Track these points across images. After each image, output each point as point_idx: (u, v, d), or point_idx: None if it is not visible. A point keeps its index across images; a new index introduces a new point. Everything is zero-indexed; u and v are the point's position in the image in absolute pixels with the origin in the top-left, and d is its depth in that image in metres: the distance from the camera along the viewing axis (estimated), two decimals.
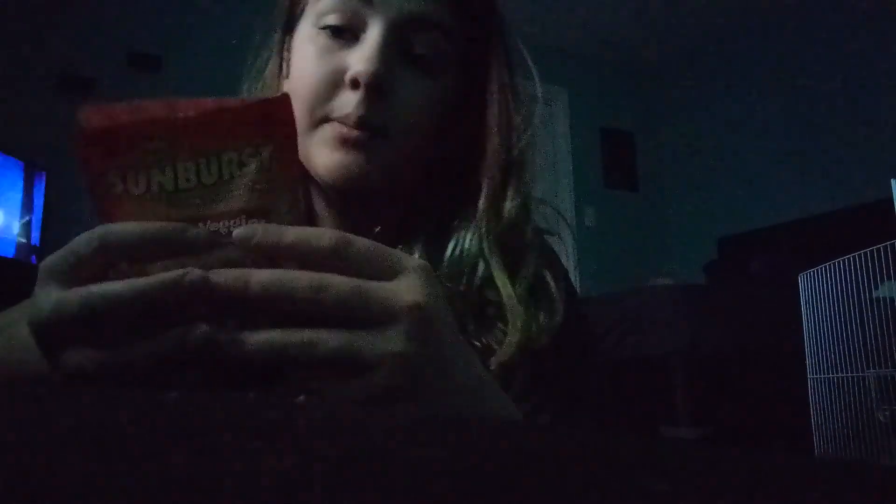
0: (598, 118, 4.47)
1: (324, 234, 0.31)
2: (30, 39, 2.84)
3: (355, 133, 0.48)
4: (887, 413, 1.70)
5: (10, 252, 2.50)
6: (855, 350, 1.78)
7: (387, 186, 0.52)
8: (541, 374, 0.48)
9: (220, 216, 0.31)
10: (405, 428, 0.20)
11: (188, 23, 3.18)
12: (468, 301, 0.49)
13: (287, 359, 0.29)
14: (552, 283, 0.51)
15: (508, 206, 0.52)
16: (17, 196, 2.56)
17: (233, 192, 0.31)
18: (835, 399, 1.84)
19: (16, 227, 2.55)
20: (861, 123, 3.50)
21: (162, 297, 0.28)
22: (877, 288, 1.76)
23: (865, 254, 1.78)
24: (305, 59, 0.51)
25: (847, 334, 1.80)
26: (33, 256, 2.60)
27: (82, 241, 0.30)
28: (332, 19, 0.50)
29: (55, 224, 2.67)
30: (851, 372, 1.79)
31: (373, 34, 0.49)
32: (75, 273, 0.29)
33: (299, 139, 0.51)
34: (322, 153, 0.49)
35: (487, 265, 0.50)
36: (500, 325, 0.48)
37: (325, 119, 0.49)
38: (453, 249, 0.51)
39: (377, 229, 0.51)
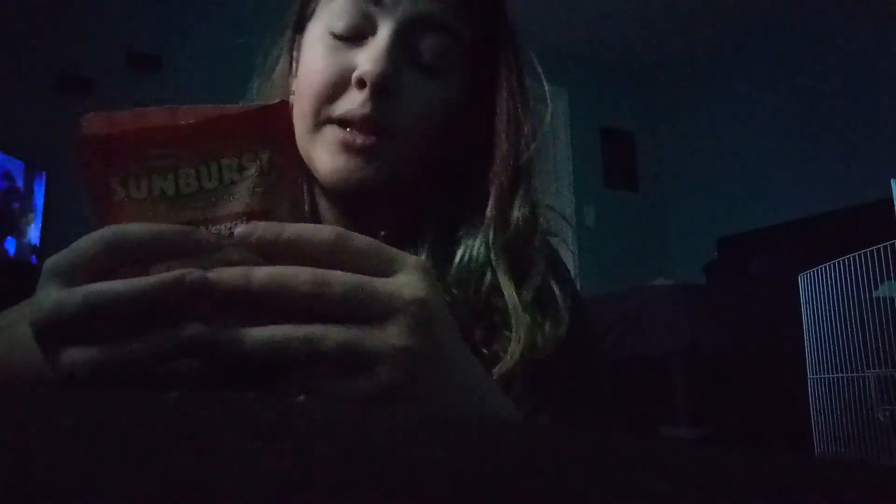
0: (598, 118, 4.47)
1: (322, 230, 0.31)
2: (30, 39, 2.84)
3: (359, 139, 0.48)
4: (887, 413, 1.70)
5: (9, 252, 2.50)
6: (855, 350, 1.78)
7: (390, 189, 0.52)
8: (542, 375, 0.48)
9: (222, 219, 0.31)
10: (405, 428, 0.20)
11: (188, 23, 3.18)
12: (475, 309, 0.49)
13: (289, 356, 0.29)
14: (558, 292, 0.51)
15: (516, 214, 0.52)
16: (16, 196, 2.56)
17: (234, 196, 0.31)
18: (835, 399, 1.84)
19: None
20: (861, 123, 3.50)
21: (162, 297, 0.28)
22: (877, 288, 1.76)
23: (865, 254, 1.78)
24: (313, 59, 0.51)
25: (847, 334, 1.80)
26: (33, 256, 2.60)
27: (87, 242, 0.30)
28: (341, 21, 0.50)
29: (55, 224, 2.67)
30: (851, 372, 1.79)
31: (381, 35, 0.49)
32: (78, 274, 0.29)
33: (303, 139, 0.51)
34: (324, 156, 0.49)
35: (494, 273, 0.50)
36: (506, 332, 0.48)
37: (329, 119, 0.49)
38: (461, 257, 0.51)
39: (382, 234, 0.51)
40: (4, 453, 0.14)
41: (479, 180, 0.54)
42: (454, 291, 0.48)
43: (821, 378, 1.90)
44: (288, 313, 0.29)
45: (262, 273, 0.29)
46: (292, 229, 0.30)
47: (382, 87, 0.47)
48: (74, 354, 0.29)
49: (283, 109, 0.33)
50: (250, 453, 0.15)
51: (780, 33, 3.97)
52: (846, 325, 1.81)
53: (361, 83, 0.48)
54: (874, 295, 1.77)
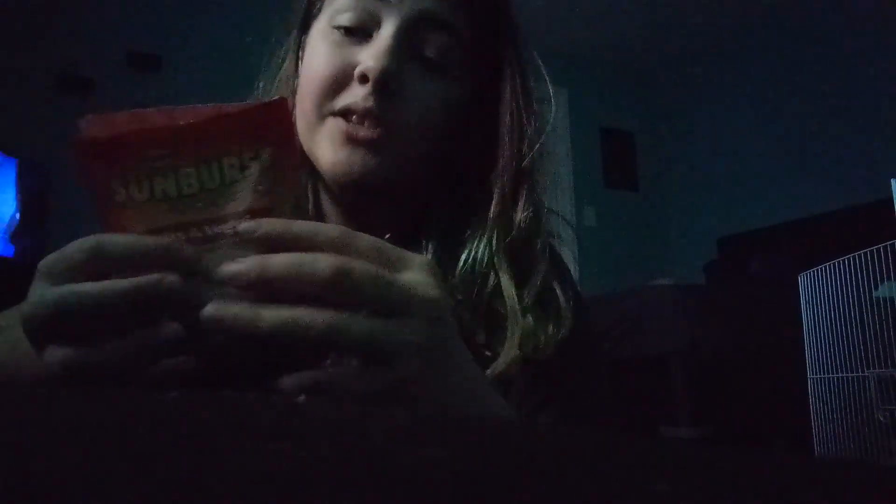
0: (598, 118, 4.47)
1: (328, 228, 0.31)
2: (30, 39, 2.84)
3: (362, 131, 0.48)
4: (887, 413, 1.70)
5: (9, 252, 2.50)
6: (855, 350, 1.78)
7: (393, 187, 0.52)
8: (543, 375, 0.48)
9: (224, 218, 0.31)
10: (405, 428, 0.20)
11: (188, 23, 3.18)
12: (478, 310, 0.49)
13: (309, 339, 0.28)
14: (561, 294, 0.51)
15: (520, 215, 0.52)
16: (16, 196, 2.56)
17: (236, 195, 0.31)
18: (835, 399, 1.84)
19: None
20: (861, 123, 3.50)
21: (136, 300, 0.28)
22: (877, 288, 1.76)
23: (865, 254, 1.78)
24: (317, 55, 0.51)
25: (847, 334, 1.80)
26: (33, 256, 2.60)
27: (74, 247, 0.30)
28: (346, 17, 0.50)
29: (55, 224, 2.67)
30: (851, 372, 1.79)
31: (385, 32, 0.49)
32: (64, 276, 0.30)
33: (306, 134, 0.51)
34: (327, 149, 0.49)
35: (498, 275, 0.50)
36: (509, 335, 0.48)
37: (332, 112, 0.49)
38: (465, 259, 0.51)
39: (387, 236, 0.51)
40: (4, 453, 0.14)
41: (482, 181, 0.54)
42: (458, 293, 0.49)
43: (821, 378, 1.90)
44: (301, 303, 0.29)
45: (281, 258, 0.29)
46: (298, 225, 0.30)
47: (385, 83, 0.47)
48: (54, 352, 0.29)
49: (283, 106, 0.33)
50: (250, 453, 0.15)
51: (780, 33, 3.97)
52: (846, 325, 1.80)
53: (364, 78, 0.48)
54: (874, 295, 1.76)
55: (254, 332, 0.28)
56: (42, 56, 2.84)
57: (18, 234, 2.55)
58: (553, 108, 0.59)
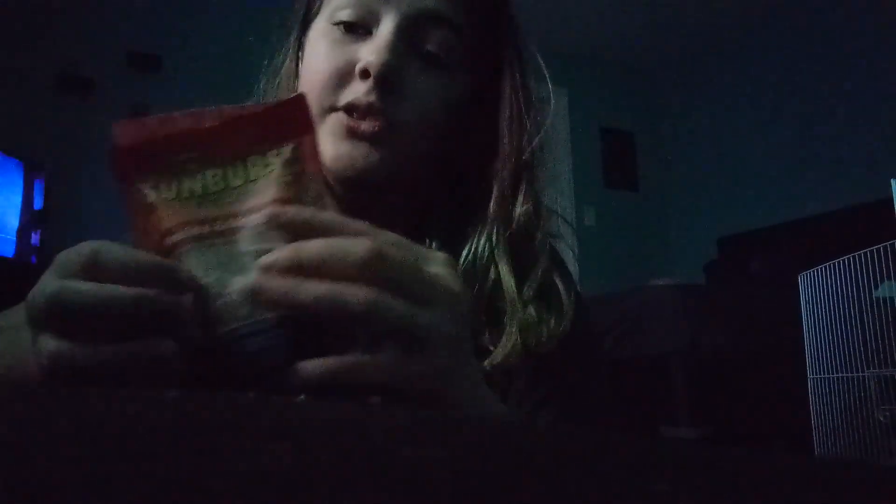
0: (598, 118, 4.47)
1: (354, 222, 0.31)
2: (30, 39, 2.84)
3: (364, 125, 0.48)
4: (887, 413, 1.70)
5: (9, 252, 2.50)
6: (855, 350, 1.78)
7: (395, 183, 0.52)
8: (543, 374, 0.48)
9: (249, 212, 0.32)
10: (405, 428, 0.20)
11: (188, 23, 3.19)
12: (479, 306, 0.49)
13: (346, 316, 0.29)
14: (562, 288, 0.51)
15: (519, 210, 0.52)
16: (17, 196, 2.56)
17: (261, 189, 0.33)
18: (835, 399, 1.84)
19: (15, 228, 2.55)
20: (861, 123, 3.50)
21: (133, 311, 0.28)
22: (877, 288, 1.76)
23: (865, 254, 1.78)
24: (318, 52, 0.52)
25: (847, 334, 1.80)
26: (33, 256, 2.60)
27: (82, 248, 0.30)
28: (345, 14, 0.50)
29: (55, 224, 2.67)
30: (851, 372, 1.79)
31: (385, 28, 0.49)
32: (70, 272, 0.30)
33: None
34: (329, 144, 0.50)
35: (498, 269, 0.50)
36: (511, 330, 0.48)
37: (334, 108, 0.49)
38: (466, 254, 0.51)
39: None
40: (4, 453, 0.14)
41: (482, 177, 0.54)
42: None
43: (821, 378, 1.90)
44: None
45: (315, 242, 0.29)
46: (327, 215, 0.31)
47: (386, 78, 0.48)
48: (46, 341, 0.29)
49: (302, 103, 0.35)
50: (250, 453, 0.15)
51: (781, 33, 3.97)
52: (846, 325, 1.81)
53: (365, 73, 0.48)
54: (874, 295, 1.77)
55: (294, 305, 0.29)
56: (42, 56, 2.84)
57: (24, 234, 2.55)
58: (552, 102, 0.59)
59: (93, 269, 0.30)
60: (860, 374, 1.76)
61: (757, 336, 2.31)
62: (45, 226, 2.64)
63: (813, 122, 3.74)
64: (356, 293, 0.28)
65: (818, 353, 1.92)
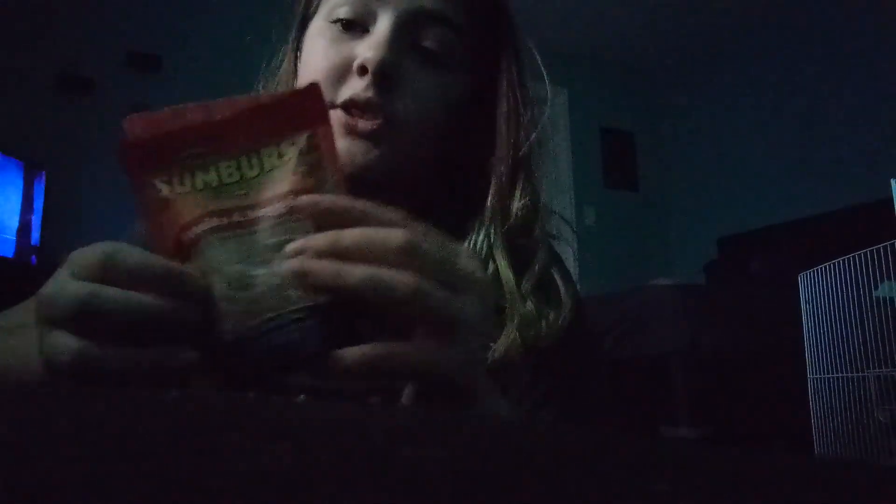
0: (598, 118, 4.47)
1: (390, 211, 0.32)
2: (30, 39, 2.84)
3: (362, 122, 0.48)
4: (887, 413, 1.70)
5: (9, 252, 2.50)
6: (855, 350, 1.78)
7: (394, 179, 0.52)
8: (543, 372, 0.48)
9: (266, 202, 0.32)
10: (405, 428, 0.20)
11: (188, 23, 3.18)
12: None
13: (390, 299, 0.29)
14: (560, 282, 0.51)
15: (517, 205, 0.52)
16: (17, 196, 2.56)
17: (276, 180, 0.32)
18: (835, 399, 1.84)
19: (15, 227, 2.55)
20: (861, 123, 3.50)
21: (156, 320, 0.29)
22: (877, 288, 1.76)
23: (865, 254, 1.78)
24: (316, 50, 0.52)
25: (847, 334, 1.80)
26: (33, 256, 2.60)
27: (96, 248, 0.30)
28: (343, 12, 0.51)
29: (55, 224, 2.67)
30: (851, 372, 1.79)
31: (382, 25, 0.49)
32: (84, 272, 0.30)
33: None
34: None
35: (496, 264, 0.50)
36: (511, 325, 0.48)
37: (332, 106, 0.49)
38: None
39: None
40: (4, 453, 0.14)
41: (480, 173, 0.54)
42: None
43: (821, 378, 1.90)
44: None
45: (353, 231, 0.30)
46: (362, 203, 0.31)
47: (384, 74, 0.48)
48: (66, 340, 0.29)
49: (316, 92, 0.34)
50: (250, 453, 0.15)
51: (781, 33, 3.97)
52: (846, 325, 1.81)
53: (363, 70, 0.48)
54: (874, 295, 1.76)
55: (341, 287, 0.29)
56: (42, 56, 2.84)
57: (24, 234, 2.55)
58: (549, 99, 0.59)
59: (107, 272, 0.30)
60: (860, 374, 1.76)
61: (757, 336, 2.31)
62: (44, 226, 2.64)
63: (813, 122, 3.74)
64: (399, 277, 0.29)
65: (818, 353, 1.92)
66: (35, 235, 2.61)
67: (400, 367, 0.29)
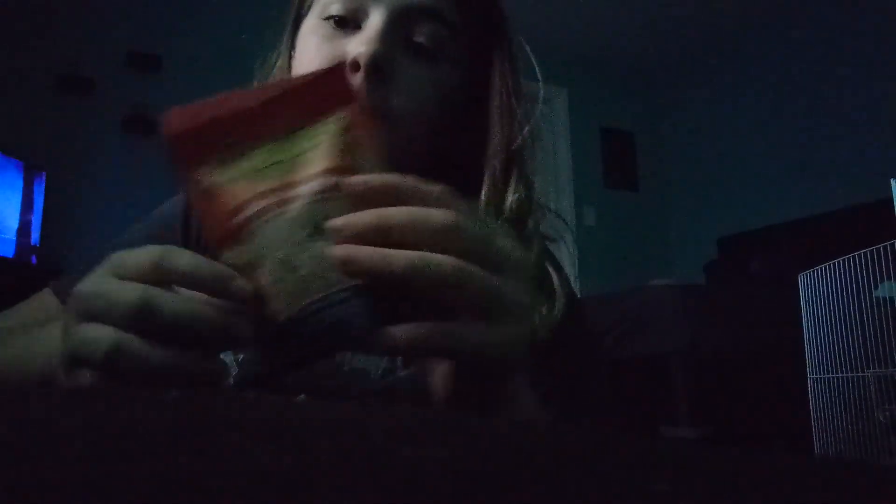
0: (598, 118, 4.47)
1: (434, 187, 0.32)
2: (29, 39, 2.84)
3: None
4: (887, 413, 1.70)
5: (9, 252, 2.50)
6: (855, 350, 1.78)
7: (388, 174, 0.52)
8: (542, 373, 0.48)
9: (307, 180, 0.32)
10: (405, 428, 0.20)
11: (188, 23, 3.18)
12: None
13: (437, 282, 0.29)
14: (554, 275, 0.51)
15: (510, 198, 0.53)
16: (17, 196, 2.56)
17: (314, 161, 0.33)
18: (835, 399, 1.84)
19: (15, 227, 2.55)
20: (861, 123, 3.50)
21: (203, 327, 0.30)
22: (877, 288, 1.76)
23: (865, 254, 1.78)
24: (309, 49, 0.52)
25: (847, 334, 1.80)
26: (33, 256, 2.60)
27: (146, 251, 0.31)
28: (335, 9, 0.51)
29: (55, 224, 2.67)
30: (851, 372, 1.79)
31: (374, 21, 0.49)
32: (133, 274, 0.31)
33: None
34: None
35: None
36: None
37: None
38: None
39: None
40: (4, 453, 0.14)
41: (474, 167, 0.55)
42: None
43: (821, 378, 1.90)
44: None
45: (398, 209, 0.30)
46: (411, 181, 0.31)
47: (377, 68, 0.48)
48: (96, 331, 0.30)
49: (342, 72, 0.35)
50: (250, 453, 0.15)
51: (780, 33, 3.97)
52: (846, 325, 1.80)
53: (355, 65, 0.48)
54: (874, 295, 1.76)
55: (384, 273, 0.29)
56: (42, 56, 2.84)
57: (24, 234, 2.55)
58: (541, 90, 0.59)
59: (159, 274, 0.31)
60: (860, 374, 1.76)
61: (757, 336, 2.31)
62: (44, 226, 2.64)
63: (813, 122, 3.74)
64: (445, 260, 0.29)
65: (818, 353, 1.92)
66: (35, 235, 2.61)
67: (445, 344, 0.30)
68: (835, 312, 1.85)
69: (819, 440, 1.88)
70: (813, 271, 1.97)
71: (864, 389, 1.75)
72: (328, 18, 0.51)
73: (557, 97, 4.26)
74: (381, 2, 0.50)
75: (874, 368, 1.72)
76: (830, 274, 1.89)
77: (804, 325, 1.97)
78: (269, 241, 0.32)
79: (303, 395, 0.29)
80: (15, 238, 2.53)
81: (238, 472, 0.13)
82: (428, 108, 0.52)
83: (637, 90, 4.68)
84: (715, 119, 4.33)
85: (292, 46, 0.57)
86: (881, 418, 1.70)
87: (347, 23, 0.51)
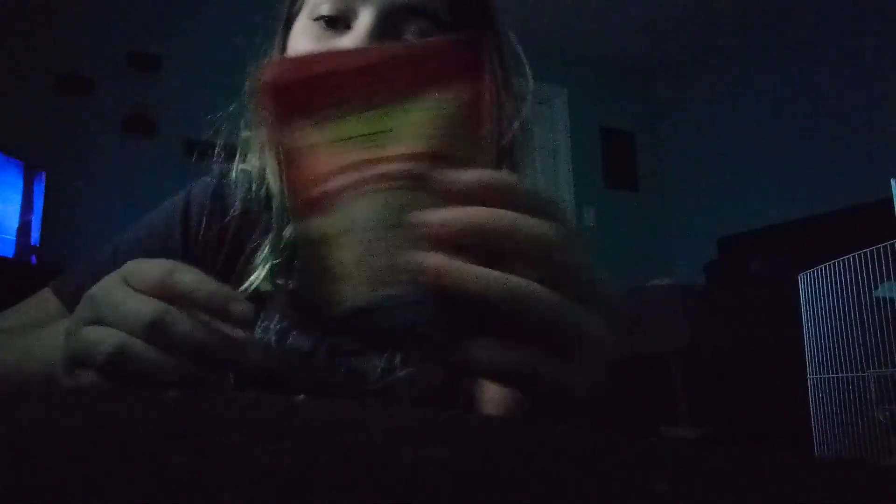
0: (598, 118, 4.47)
1: (541, 195, 0.29)
2: (30, 39, 2.84)
3: None
4: (887, 413, 1.70)
5: (9, 252, 2.50)
6: (855, 350, 1.78)
7: None
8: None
9: (396, 159, 0.29)
10: (405, 428, 0.20)
11: (188, 23, 3.18)
12: None
13: (533, 319, 0.27)
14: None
15: None
16: (17, 196, 2.56)
17: (416, 138, 0.30)
18: (835, 399, 1.84)
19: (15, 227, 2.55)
20: (861, 123, 3.50)
21: (206, 350, 0.30)
22: (877, 288, 1.76)
23: (865, 254, 1.78)
24: (299, 50, 0.52)
25: (847, 334, 1.80)
26: (33, 256, 2.60)
27: (157, 265, 0.32)
28: (325, 9, 0.51)
29: (55, 224, 2.67)
30: (851, 372, 1.79)
31: (364, 20, 0.50)
32: (142, 287, 0.31)
33: None
34: None
35: None
36: None
37: None
38: None
39: None
40: (4, 453, 0.14)
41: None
42: None
43: (821, 378, 1.90)
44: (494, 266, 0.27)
45: (497, 216, 0.27)
46: (522, 185, 0.29)
47: None
48: (101, 332, 0.30)
49: (476, 44, 0.31)
50: (250, 453, 0.15)
51: (780, 34, 3.97)
52: (846, 325, 1.80)
53: None
54: (874, 295, 1.76)
55: (476, 296, 0.27)
56: (42, 56, 2.84)
57: (24, 234, 2.55)
58: (530, 84, 0.59)
59: (165, 290, 0.31)
60: (860, 374, 1.76)
61: (757, 336, 2.31)
62: (44, 226, 2.64)
63: (813, 122, 3.74)
64: (549, 298, 0.27)
65: (818, 353, 1.92)
66: (35, 235, 2.61)
67: (530, 376, 0.28)
68: (835, 312, 1.85)
69: (819, 440, 1.88)
70: (813, 271, 1.97)
71: (864, 389, 1.75)
72: (318, 19, 0.51)
73: (557, 97, 4.26)
74: (370, 1, 0.50)
75: (874, 368, 1.72)
76: (830, 274, 1.89)
77: (804, 325, 1.97)
78: (354, 219, 0.29)
79: (302, 396, 0.29)
80: (15, 238, 2.53)
81: (238, 472, 0.13)
82: None
83: (637, 90, 4.68)
84: (715, 119, 4.33)
85: (284, 48, 0.57)
86: (881, 418, 1.70)
87: (337, 23, 0.51)
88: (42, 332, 0.44)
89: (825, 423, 1.87)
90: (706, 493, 0.14)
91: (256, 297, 0.54)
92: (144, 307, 0.30)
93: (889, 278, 1.70)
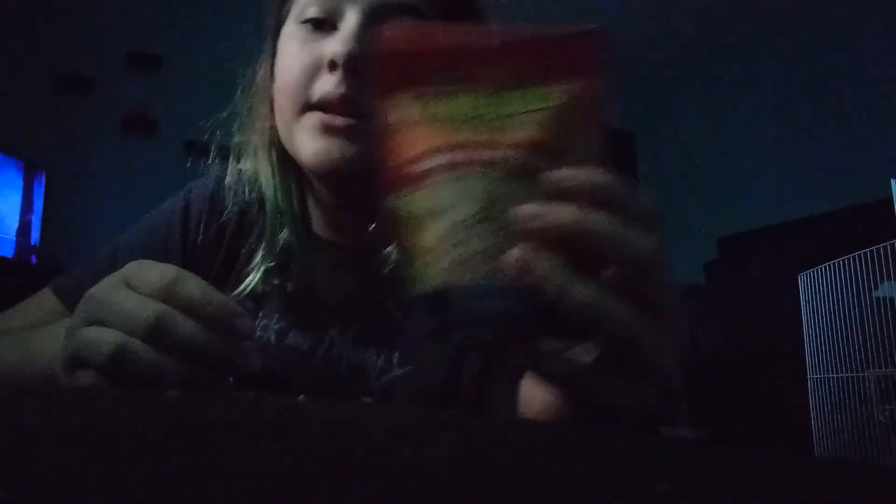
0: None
1: (650, 211, 0.29)
2: (29, 39, 2.84)
3: (339, 120, 0.48)
4: (887, 413, 1.70)
5: (9, 252, 2.50)
6: (855, 350, 1.78)
7: (373, 176, 0.52)
8: None
9: (501, 146, 0.28)
10: (405, 428, 0.20)
11: (188, 23, 3.18)
12: None
13: (608, 329, 0.26)
14: None
15: None
16: (17, 196, 2.56)
17: (522, 128, 0.29)
18: (835, 399, 1.84)
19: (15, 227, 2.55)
20: (861, 123, 3.50)
21: (206, 354, 0.31)
22: (877, 288, 1.76)
23: (865, 254, 1.78)
24: (288, 53, 0.52)
25: (847, 334, 1.80)
26: (33, 256, 2.60)
27: (161, 269, 0.32)
28: (312, 11, 0.51)
29: (55, 224, 2.67)
30: (851, 372, 1.79)
31: (350, 20, 0.50)
32: (146, 290, 0.32)
33: (285, 130, 0.52)
34: (306, 141, 0.50)
35: None
36: None
37: (309, 106, 0.50)
38: None
39: (373, 226, 0.51)
40: (4, 453, 0.14)
41: None
42: None
43: (821, 378, 1.90)
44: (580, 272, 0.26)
45: (605, 226, 0.27)
46: (627, 189, 0.28)
47: (354, 67, 0.48)
48: (101, 333, 0.31)
49: (599, 38, 0.30)
50: (250, 453, 0.15)
51: (780, 33, 3.97)
52: (846, 325, 1.81)
53: (333, 65, 0.48)
54: (874, 295, 1.77)
55: (560, 299, 0.26)
56: (42, 56, 2.84)
57: (24, 234, 2.55)
58: None
59: (169, 296, 0.31)
60: (860, 374, 1.76)
61: (757, 336, 2.31)
62: (44, 226, 2.64)
63: (813, 122, 3.74)
64: (632, 319, 0.26)
65: (818, 353, 1.92)
66: (35, 235, 2.61)
67: (596, 390, 0.28)
68: (835, 312, 1.85)
69: (819, 440, 1.88)
70: (813, 271, 1.97)
71: (864, 389, 1.75)
72: (305, 22, 0.51)
73: None
74: (356, 1, 0.50)
75: (874, 368, 1.72)
76: (830, 274, 1.89)
77: (804, 325, 1.97)
78: (445, 202, 0.28)
79: (302, 396, 0.29)
80: (15, 238, 2.53)
81: (238, 472, 0.13)
82: None
83: (637, 90, 4.68)
84: (715, 119, 4.33)
85: (274, 53, 0.57)
86: (881, 418, 1.70)
87: (324, 24, 0.51)
88: (42, 333, 0.44)
89: (825, 424, 1.87)
90: (706, 493, 0.14)
91: (255, 296, 0.54)
92: (145, 308, 0.30)
93: (889, 278, 1.70)
